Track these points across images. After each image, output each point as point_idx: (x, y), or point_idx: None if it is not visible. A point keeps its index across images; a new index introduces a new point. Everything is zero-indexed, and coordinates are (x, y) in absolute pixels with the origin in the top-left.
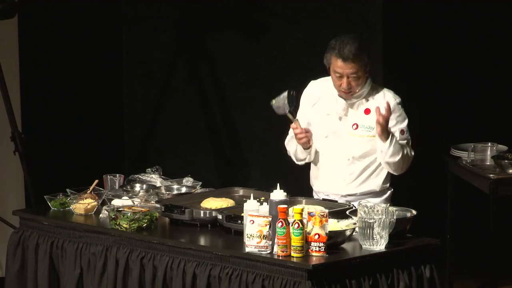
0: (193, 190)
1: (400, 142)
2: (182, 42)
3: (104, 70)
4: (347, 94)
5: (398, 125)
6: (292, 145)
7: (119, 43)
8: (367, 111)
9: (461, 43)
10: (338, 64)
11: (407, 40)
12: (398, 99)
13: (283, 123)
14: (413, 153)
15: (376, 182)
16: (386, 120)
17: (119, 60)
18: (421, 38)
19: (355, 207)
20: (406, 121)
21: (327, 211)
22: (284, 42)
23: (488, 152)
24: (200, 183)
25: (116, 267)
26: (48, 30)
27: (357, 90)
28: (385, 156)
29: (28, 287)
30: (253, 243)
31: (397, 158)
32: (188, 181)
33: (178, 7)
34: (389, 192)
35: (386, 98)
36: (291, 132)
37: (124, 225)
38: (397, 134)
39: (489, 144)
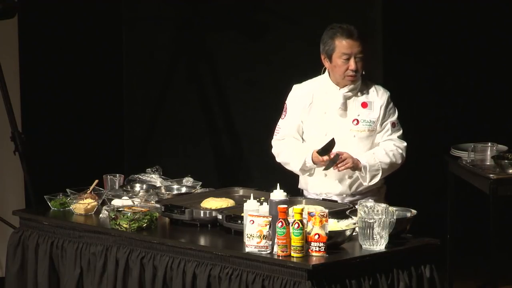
0: (193, 190)
1: (377, 158)
2: (182, 42)
3: (104, 70)
4: (354, 77)
5: (389, 118)
6: (299, 160)
7: (119, 43)
8: (364, 105)
9: (461, 43)
10: (345, 44)
11: (407, 40)
12: (388, 93)
13: None
14: (404, 144)
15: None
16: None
17: (119, 60)
18: (421, 38)
19: (355, 207)
20: (397, 114)
21: (327, 211)
22: (284, 42)
23: (488, 152)
24: (200, 183)
25: (116, 267)
26: (48, 30)
27: (362, 73)
28: (364, 182)
29: (28, 287)
30: (253, 243)
31: (378, 178)
32: (188, 181)
33: (178, 7)
34: (385, 187)
35: (379, 92)
36: (291, 148)
37: (124, 225)
38: (388, 127)
39: (489, 144)
